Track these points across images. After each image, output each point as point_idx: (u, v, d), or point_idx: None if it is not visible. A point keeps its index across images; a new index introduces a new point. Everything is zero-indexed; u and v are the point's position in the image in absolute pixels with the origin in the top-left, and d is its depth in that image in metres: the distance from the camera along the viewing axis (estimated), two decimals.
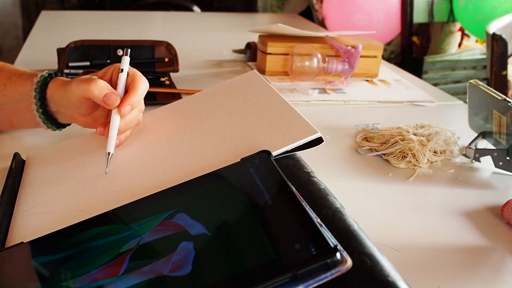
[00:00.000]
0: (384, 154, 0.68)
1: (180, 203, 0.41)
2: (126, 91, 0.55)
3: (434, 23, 2.01)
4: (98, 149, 0.56)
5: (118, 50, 0.93)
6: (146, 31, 1.47)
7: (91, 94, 0.53)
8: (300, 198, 0.37)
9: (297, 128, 0.49)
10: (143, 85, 0.55)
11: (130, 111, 0.54)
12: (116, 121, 0.53)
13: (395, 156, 0.67)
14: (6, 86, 0.59)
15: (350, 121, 0.81)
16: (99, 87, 0.53)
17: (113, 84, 0.56)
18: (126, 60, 0.56)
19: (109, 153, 0.52)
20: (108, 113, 0.57)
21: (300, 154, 0.50)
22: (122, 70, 0.56)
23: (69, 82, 0.56)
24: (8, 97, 0.59)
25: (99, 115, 0.58)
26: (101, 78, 0.55)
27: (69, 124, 0.63)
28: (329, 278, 0.31)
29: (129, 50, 0.58)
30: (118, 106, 0.53)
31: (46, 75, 0.59)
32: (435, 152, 0.68)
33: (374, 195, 0.59)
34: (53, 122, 0.61)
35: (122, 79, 0.55)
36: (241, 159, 0.45)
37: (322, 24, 1.95)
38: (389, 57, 2.05)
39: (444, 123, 0.77)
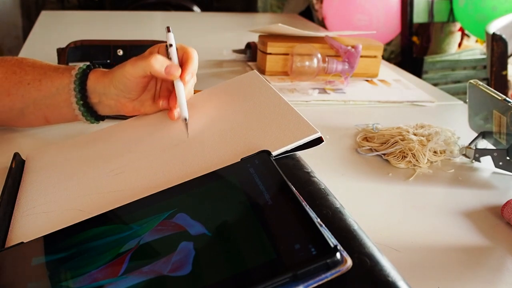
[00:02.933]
0: (384, 154, 0.68)
1: (180, 203, 0.41)
2: (179, 64, 0.57)
3: (434, 23, 2.01)
4: (98, 148, 0.56)
5: (118, 50, 0.93)
6: (146, 31, 1.47)
7: (153, 68, 0.54)
8: (300, 198, 0.37)
9: (297, 128, 0.49)
10: (195, 55, 0.58)
11: (191, 79, 0.57)
12: (182, 89, 0.55)
13: (395, 156, 0.67)
14: (41, 81, 0.59)
15: (350, 121, 0.81)
16: (159, 60, 0.55)
17: None
18: (171, 36, 0.59)
19: (185, 119, 0.53)
20: (154, 94, 0.60)
21: (300, 154, 0.50)
22: (171, 45, 0.58)
23: (115, 68, 0.57)
24: (44, 92, 0.59)
25: (146, 98, 0.60)
26: None
27: (107, 117, 0.64)
28: (329, 278, 0.31)
29: (169, 27, 0.60)
30: (181, 75, 0.56)
31: (85, 67, 0.59)
32: (435, 152, 0.68)
33: (374, 195, 0.59)
34: (93, 114, 0.61)
35: (174, 52, 0.58)
36: (241, 159, 0.45)
37: (322, 24, 1.95)
38: (389, 57, 2.05)
39: (444, 123, 0.77)
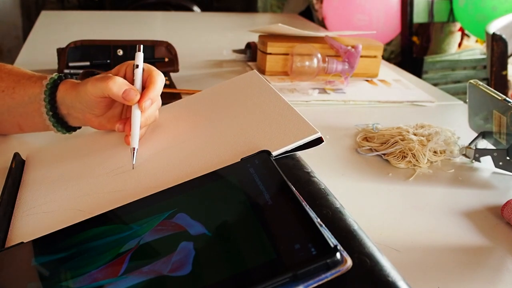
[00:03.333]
0: (384, 154, 0.68)
1: (180, 203, 0.41)
2: (143, 87, 0.55)
3: (434, 23, 2.01)
4: (98, 149, 0.56)
5: (118, 50, 0.93)
6: (146, 31, 1.47)
7: (110, 91, 0.53)
8: (300, 198, 0.37)
9: (297, 128, 0.49)
10: (160, 79, 0.55)
11: (150, 105, 0.54)
12: (137, 116, 0.53)
13: (395, 156, 0.67)
14: (15, 89, 0.59)
15: (350, 121, 0.81)
16: (118, 83, 0.53)
17: (128, 81, 0.56)
18: (140, 56, 0.57)
19: (134, 148, 0.51)
20: (121, 111, 0.58)
21: (300, 154, 0.50)
22: (137, 66, 0.56)
23: (81, 83, 0.56)
24: (17, 100, 0.59)
25: (113, 115, 0.58)
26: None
27: (79, 127, 0.63)
28: (329, 278, 0.31)
29: (141, 46, 0.58)
30: (139, 102, 0.53)
31: (56, 77, 0.58)
32: (435, 152, 0.68)
33: (374, 195, 0.59)
34: (63, 125, 0.60)
35: (139, 74, 0.55)
36: (241, 159, 0.45)
37: (322, 24, 1.95)
38: (389, 57, 2.05)
39: (444, 123, 0.77)
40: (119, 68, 0.57)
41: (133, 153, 0.51)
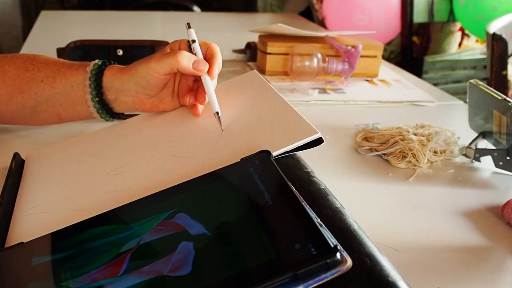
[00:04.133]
0: (384, 154, 0.68)
1: (180, 203, 0.41)
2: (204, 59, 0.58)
3: (434, 23, 2.01)
4: (98, 148, 0.56)
5: (118, 50, 0.93)
6: (146, 31, 1.47)
7: (180, 65, 0.54)
8: (300, 198, 0.37)
9: (297, 128, 0.49)
10: (218, 49, 0.58)
11: (218, 72, 0.57)
12: (210, 84, 0.56)
13: (395, 156, 0.67)
14: (55, 78, 0.58)
15: (350, 121, 0.81)
16: (187, 56, 0.55)
17: None
18: (192, 32, 0.59)
19: (217, 113, 0.54)
20: (173, 90, 0.60)
21: (300, 154, 0.50)
22: (193, 41, 0.58)
23: (137, 64, 0.57)
24: (58, 89, 0.58)
25: (166, 94, 0.59)
26: None
27: (123, 114, 0.63)
28: (329, 278, 0.31)
29: (190, 23, 0.60)
30: (209, 70, 0.56)
31: (100, 63, 0.59)
32: (435, 152, 0.68)
33: (374, 195, 0.59)
34: (108, 111, 0.60)
35: (198, 48, 0.58)
36: (241, 159, 0.45)
37: (322, 24, 1.95)
38: (389, 57, 2.05)
39: (444, 123, 0.77)
40: (173, 46, 0.59)
41: (218, 117, 0.53)
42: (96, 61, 0.59)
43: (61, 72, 0.59)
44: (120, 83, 0.57)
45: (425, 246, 0.50)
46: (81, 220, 0.42)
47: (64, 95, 0.59)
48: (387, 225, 0.53)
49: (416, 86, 1.03)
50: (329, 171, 0.64)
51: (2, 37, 2.50)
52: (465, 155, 0.69)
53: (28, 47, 1.17)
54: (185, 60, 0.54)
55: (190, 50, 0.58)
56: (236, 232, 0.36)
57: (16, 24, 2.54)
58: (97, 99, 0.58)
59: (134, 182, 0.49)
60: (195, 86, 0.60)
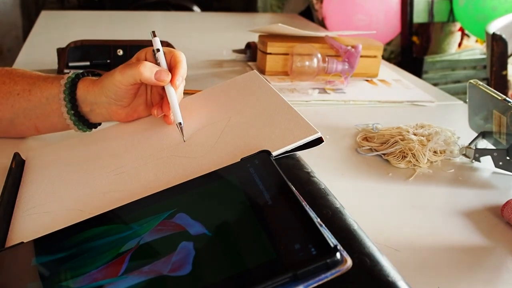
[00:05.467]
0: (384, 154, 0.68)
1: (180, 203, 0.41)
2: (168, 68, 0.57)
3: (434, 23, 2.01)
4: (98, 148, 0.56)
5: (118, 50, 0.93)
6: (146, 31, 1.47)
7: (142, 76, 0.54)
8: (300, 198, 0.37)
9: (297, 128, 0.49)
10: (183, 57, 0.57)
11: (181, 82, 0.56)
12: (173, 94, 0.55)
13: (395, 156, 0.67)
14: (31, 91, 0.59)
15: (350, 121, 0.81)
16: (148, 67, 0.54)
17: None
18: (157, 40, 0.58)
19: (180, 123, 0.54)
20: (146, 99, 0.60)
21: (300, 154, 0.50)
22: (158, 50, 0.57)
23: (104, 77, 0.57)
24: (34, 102, 0.59)
25: (138, 104, 0.59)
26: None
27: (99, 124, 0.63)
28: (329, 278, 0.31)
29: (154, 31, 0.60)
30: (171, 80, 0.55)
31: (73, 76, 0.59)
32: (435, 152, 0.68)
33: (374, 195, 0.59)
34: (85, 123, 0.60)
35: (162, 57, 0.57)
36: (241, 159, 0.45)
37: (322, 24, 1.95)
38: (389, 57, 2.05)
39: (444, 123, 0.77)
40: (139, 56, 0.59)
41: (180, 128, 0.54)
42: (70, 73, 0.59)
43: (37, 85, 0.59)
44: (93, 96, 0.58)
45: (425, 246, 0.50)
46: (81, 220, 0.42)
47: (40, 108, 0.59)
48: (387, 225, 0.53)
49: (416, 86, 1.03)
50: (329, 171, 0.64)
51: (2, 37, 2.50)
52: (465, 155, 0.69)
53: (28, 47, 1.17)
54: (147, 71, 0.54)
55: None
56: (236, 232, 0.36)
57: (16, 24, 2.54)
58: (72, 111, 0.58)
59: (134, 182, 0.49)
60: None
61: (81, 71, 0.60)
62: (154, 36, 0.58)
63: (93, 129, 0.62)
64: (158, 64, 0.57)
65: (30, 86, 0.59)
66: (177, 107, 0.55)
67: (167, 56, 0.57)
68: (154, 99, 0.60)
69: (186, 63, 0.57)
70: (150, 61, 0.57)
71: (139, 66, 0.54)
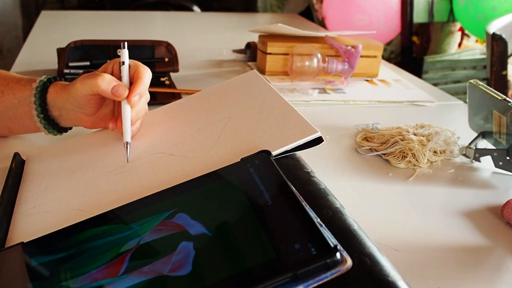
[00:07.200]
0: (384, 154, 0.68)
1: (180, 203, 0.41)
2: (130, 82, 0.56)
3: (434, 23, 2.01)
4: (98, 148, 0.56)
5: (118, 50, 0.93)
6: (146, 31, 1.47)
7: (99, 88, 0.53)
8: (300, 198, 0.37)
9: (297, 127, 0.49)
10: (147, 73, 0.56)
11: (139, 100, 0.54)
12: (127, 111, 0.54)
13: (395, 156, 0.67)
14: (3, 92, 0.59)
15: (350, 121, 0.81)
16: (106, 80, 0.53)
17: (116, 78, 0.56)
18: (125, 52, 0.57)
19: (127, 143, 0.53)
20: (113, 109, 0.59)
21: (300, 154, 0.50)
22: (123, 63, 0.56)
23: (71, 83, 0.56)
24: (6, 103, 0.59)
25: (105, 113, 0.59)
26: None
27: (70, 128, 0.63)
28: (329, 278, 0.31)
29: (125, 43, 0.58)
30: (127, 97, 0.54)
31: (45, 80, 0.58)
32: (435, 152, 0.68)
33: (374, 195, 0.59)
34: (55, 126, 0.60)
35: (125, 71, 0.56)
36: (241, 159, 0.45)
37: (322, 24, 1.95)
38: (389, 57, 2.05)
39: (444, 123, 0.77)
40: (106, 66, 0.58)
41: (127, 147, 0.53)
42: (43, 77, 0.59)
43: (10, 87, 0.59)
44: (61, 101, 0.57)
45: (425, 246, 0.50)
46: (81, 220, 0.42)
47: (12, 110, 0.59)
48: (387, 225, 0.53)
49: (416, 86, 1.03)
50: (329, 171, 0.64)
51: (2, 37, 2.50)
52: (465, 155, 0.69)
53: (28, 47, 1.17)
54: (104, 84, 0.53)
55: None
56: (236, 232, 0.36)
57: (16, 24, 2.54)
58: (42, 115, 0.58)
59: (134, 182, 0.49)
60: None
61: (53, 75, 0.60)
62: (123, 47, 0.57)
63: (64, 133, 0.62)
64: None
65: (3, 87, 0.59)
66: (128, 125, 0.53)
67: (132, 70, 0.56)
68: (120, 111, 0.58)
69: (149, 80, 0.56)
70: (116, 73, 0.57)
71: (97, 78, 0.53)
